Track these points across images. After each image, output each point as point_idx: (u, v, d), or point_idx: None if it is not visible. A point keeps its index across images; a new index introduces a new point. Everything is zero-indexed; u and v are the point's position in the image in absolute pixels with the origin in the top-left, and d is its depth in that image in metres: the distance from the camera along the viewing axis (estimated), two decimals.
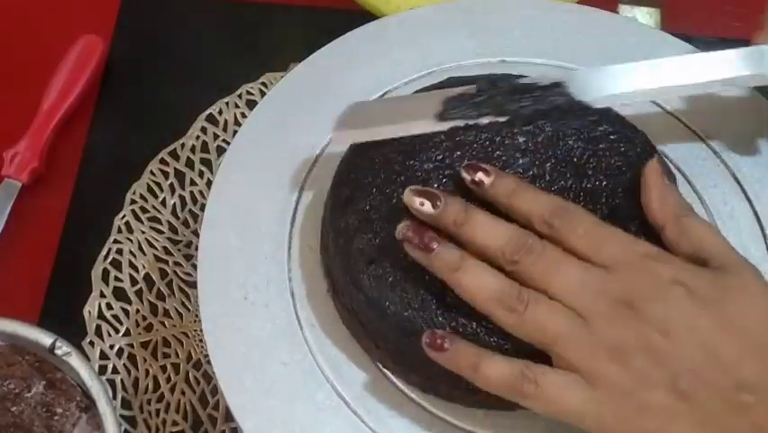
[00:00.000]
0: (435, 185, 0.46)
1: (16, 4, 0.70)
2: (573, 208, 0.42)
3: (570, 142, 0.46)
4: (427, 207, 0.42)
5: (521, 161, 0.46)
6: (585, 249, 0.41)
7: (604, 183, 0.45)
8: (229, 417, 0.54)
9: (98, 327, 0.57)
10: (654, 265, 0.40)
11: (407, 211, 0.43)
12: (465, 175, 0.44)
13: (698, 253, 0.41)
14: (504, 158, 0.46)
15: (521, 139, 0.46)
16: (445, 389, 0.45)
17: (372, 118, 0.48)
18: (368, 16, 0.60)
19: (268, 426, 0.45)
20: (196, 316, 0.57)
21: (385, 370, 0.46)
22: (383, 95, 0.54)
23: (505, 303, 0.40)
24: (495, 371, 0.40)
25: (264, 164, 0.52)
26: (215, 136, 0.63)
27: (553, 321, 0.40)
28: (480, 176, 0.44)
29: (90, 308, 0.57)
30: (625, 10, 0.67)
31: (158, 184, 0.62)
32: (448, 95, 0.47)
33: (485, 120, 0.46)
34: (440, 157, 0.46)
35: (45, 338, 0.49)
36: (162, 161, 0.62)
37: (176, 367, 0.56)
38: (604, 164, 0.46)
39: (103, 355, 0.56)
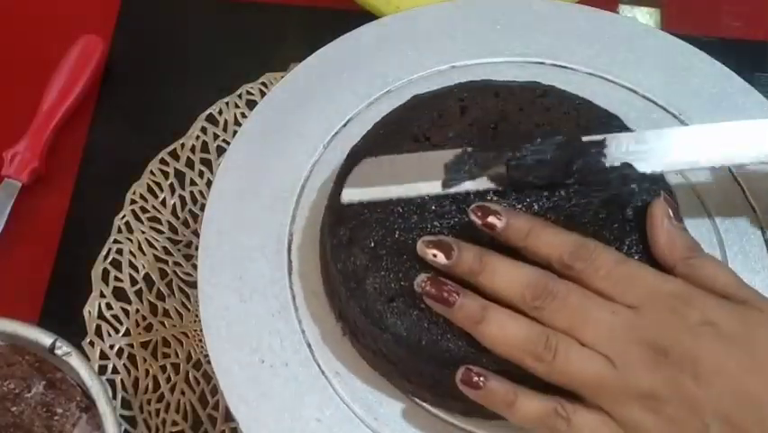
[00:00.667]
0: (433, 207, 0.45)
1: (16, 4, 0.70)
2: (593, 247, 0.41)
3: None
4: (441, 258, 0.42)
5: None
6: (610, 291, 0.40)
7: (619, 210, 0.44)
8: (229, 417, 0.54)
9: (98, 327, 0.57)
10: (682, 306, 0.40)
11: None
12: (474, 219, 0.42)
13: (712, 289, 0.41)
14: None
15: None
16: (488, 410, 0.43)
17: (382, 177, 0.46)
18: (368, 16, 0.60)
19: None
20: (196, 316, 0.57)
21: (421, 402, 0.46)
22: (383, 95, 0.54)
23: (532, 352, 0.40)
24: (529, 408, 0.40)
25: (264, 164, 0.52)
26: (215, 136, 0.63)
27: (583, 369, 0.39)
28: (491, 220, 0.42)
29: (90, 308, 0.57)
30: (625, 10, 0.67)
31: (158, 184, 0.62)
32: (446, 160, 0.46)
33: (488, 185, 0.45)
34: None
35: (45, 338, 0.49)
36: (162, 161, 0.62)
37: (176, 367, 0.56)
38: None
39: (103, 355, 0.56)
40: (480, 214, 0.42)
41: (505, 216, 0.42)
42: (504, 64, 0.56)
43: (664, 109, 0.54)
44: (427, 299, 0.42)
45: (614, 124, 0.48)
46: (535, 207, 0.44)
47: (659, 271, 0.41)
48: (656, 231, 0.43)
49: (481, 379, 0.41)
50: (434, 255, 0.42)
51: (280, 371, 0.47)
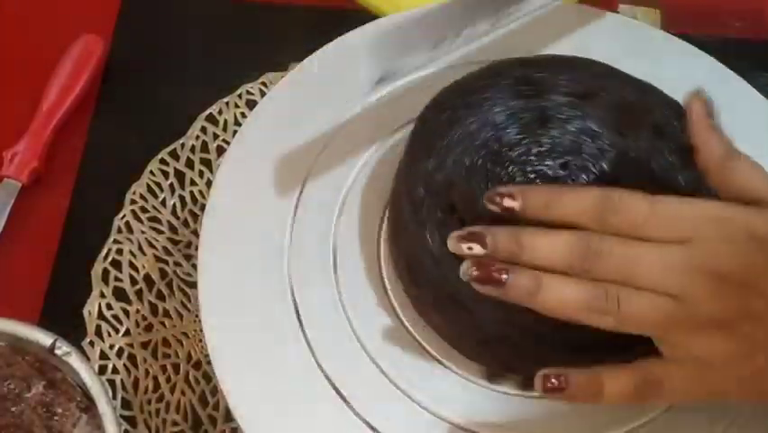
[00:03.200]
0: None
1: (16, 4, 0.70)
2: (618, 197, 0.40)
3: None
4: (477, 249, 0.41)
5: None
6: (653, 233, 0.40)
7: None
8: (229, 417, 0.54)
9: (98, 327, 0.57)
10: (726, 227, 0.39)
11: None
12: (492, 207, 0.41)
13: (742, 198, 0.41)
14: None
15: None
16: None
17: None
18: (368, 16, 0.60)
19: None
20: (196, 316, 0.57)
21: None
22: (384, 94, 0.54)
23: (596, 308, 0.39)
24: (617, 388, 0.40)
25: (264, 164, 0.52)
26: (215, 136, 0.63)
27: (651, 310, 0.39)
28: (507, 203, 0.41)
29: (90, 308, 0.57)
30: (625, 10, 0.67)
31: (158, 184, 0.62)
32: None
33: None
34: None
35: (45, 338, 0.49)
36: (162, 161, 0.62)
37: (176, 367, 0.56)
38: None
39: (103, 355, 0.56)
40: (494, 201, 0.41)
41: (519, 195, 0.41)
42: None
43: None
44: (477, 287, 0.40)
45: None
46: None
47: (687, 198, 0.41)
48: (697, 130, 0.43)
49: (561, 379, 0.40)
50: (470, 248, 0.41)
51: (281, 371, 0.47)
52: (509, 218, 0.41)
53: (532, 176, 0.45)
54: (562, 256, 0.40)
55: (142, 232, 0.60)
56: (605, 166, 0.45)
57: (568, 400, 0.41)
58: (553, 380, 0.40)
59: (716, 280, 0.39)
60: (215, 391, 0.55)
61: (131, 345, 0.56)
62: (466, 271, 0.41)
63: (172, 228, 0.60)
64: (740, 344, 0.39)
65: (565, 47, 0.56)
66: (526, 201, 0.41)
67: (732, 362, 0.39)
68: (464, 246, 0.41)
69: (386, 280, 0.49)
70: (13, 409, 0.48)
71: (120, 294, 0.58)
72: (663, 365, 0.40)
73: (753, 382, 0.40)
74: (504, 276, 0.40)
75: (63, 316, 0.57)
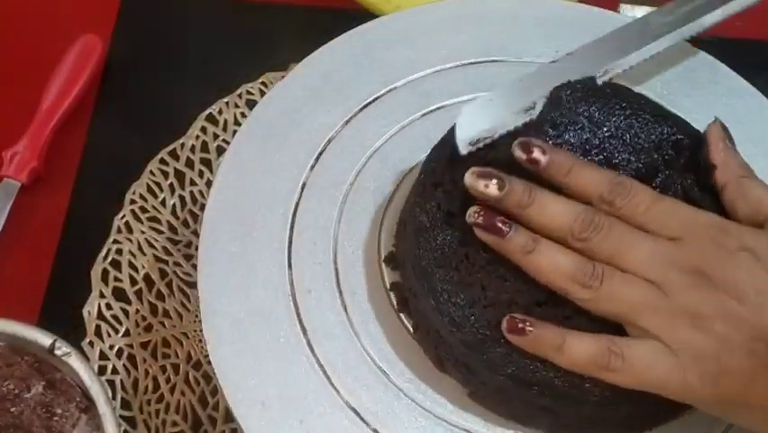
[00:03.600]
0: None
1: (16, 3, 0.70)
2: (630, 184, 0.42)
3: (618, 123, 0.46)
4: (493, 188, 0.42)
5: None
6: (649, 224, 0.42)
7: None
8: (229, 417, 0.54)
9: (98, 328, 0.57)
10: (719, 234, 0.41)
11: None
12: (519, 153, 0.43)
13: (756, 216, 0.42)
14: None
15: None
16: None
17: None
18: (368, 16, 0.60)
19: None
20: (196, 316, 0.57)
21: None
22: (384, 94, 0.54)
23: (580, 280, 0.41)
24: (580, 349, 0.41)
25: (264, 164, 0.52)
26: (215, 136, 0.63)
27: (630, 292, 0.41)
28: (536, 154, 0.43)
29: (90, 309, 0.57)
30: (625, 9, 0.67)
31: (158, 184, 0.61)
32: None
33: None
34: None
35: (45, 339, 0.49)
36: (162, 161, 0.62)
37: (176, 367, 0.56)
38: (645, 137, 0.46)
39: (102, 356, 0.56)
40: (523, 149, 0.43)
41: (548, 152, 0.43)
42: (504, 64, 0.56)
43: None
44: (478, 231, 0.43)
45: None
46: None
47: (691, 205, 0.43)
48: (713, 151, 0.44)
49: (527, 325, 0.41)
50: (486, 186, 0.42)
51: (282, 371, 0.47)
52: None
53: None
54: (566, 220, 0.42)
55: (142, 232, 0.60)
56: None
57: (528, 347, 0.42)
58: (519, 324, 0.41)
59: (697, 275, 0.40)
60: (215, 391, 0.55)
61: (130, 346, 0.56)
62: (472, 214, 0.43)
63: (172, 228, 0.60)
64: (710, 340, 0.40)
65: (566, 47, 0.56)
66: (552, 160, 0.43)
67: (698, 355, 0.40)
68: (481, 183, 0.43)
69: (385, 276, 0.49)
70: (12, 409, 0.48)
71: (119, 294, 0.58)
72: (629, 340, 0.41)
73: (715, 382, 0.40)
74: (506, 228, 0.42)
75: (63, 316, 0.57)
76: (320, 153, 0.53)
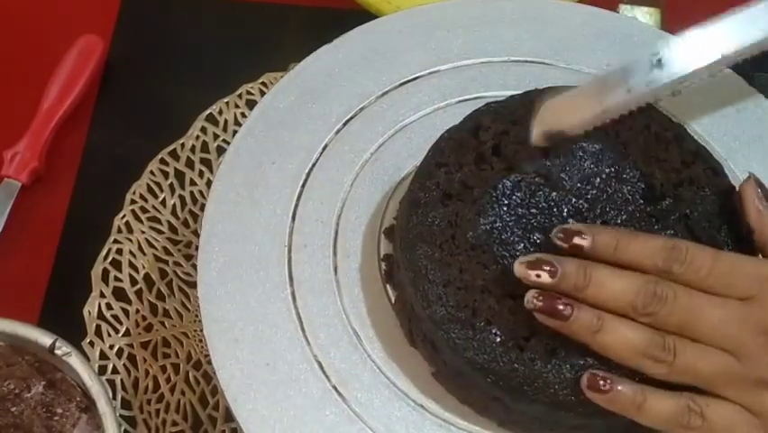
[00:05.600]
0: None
1: (16, 3, 0.70)
2: (685, 247, 0.41)
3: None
4: (545, 277, 0.40)
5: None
6: (714, 287, 0.40)
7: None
8: (229, 417, 0.54)
9: (98, 327, 0.57)
10: None
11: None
12: (560, 243, 0.41)
13: None
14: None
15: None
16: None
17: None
18: (368, 16, 0.60)
19: None
20: (196, 316, 0.57)
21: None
22: (384, 94, 0.54)
23: (652, 355, 0.40)
24: (660, 408, 0.40)
25: (264, 164, 0.52)
26: (215, 136, 0.63)
27: (705, 363, 0.40)
28: (576, 241, 0.41)
29: (90, 308, 0.57)
30: (625, 9, 0.67)
31: (158, 184, 0.61)
32: None
33: None
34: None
35: (45, 338, 0.49)
36: (162, 161, 0.62)
37: (176, 367, 0.56)
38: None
39: (103, 355, 0.56)
40: (563, 237, 0.41)
41: (589, 234, 0.41)
42: (504, 64, 0.56)
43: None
44: (540, 317, 0.40)
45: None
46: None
47: (749, 256, 0.42)
48: (749, 211, 0.43)
49: (608, 383, 0.40)
50: (538, 276, 0.40)
51: (281, 371, 0.47)
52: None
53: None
54: (627, 296, 0.40)
55: (142, 232, 0.60)
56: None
57: (607, 404, 0.40)
58: (600, 381, 0.40)
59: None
60: (215, 391, 0.55)
61: (130, 346, 0.56)
62: (531, 300, 0.40)
63: (172, 228, 0.60)
64: None
65: (566, 47, 0.56)
66: (596, 241, 0.41)
67: None
68: (532, 274, 0.40)
69: (381, 247, 0.50)
70: (12, 409, 0.48)
71: (120, 294, 0.58)
72: (708, 400, 0.40)
73: None
74: (568, 310, 0.40)
75: (63, 316, 0.57)
76: (320, 152, 0.53)
